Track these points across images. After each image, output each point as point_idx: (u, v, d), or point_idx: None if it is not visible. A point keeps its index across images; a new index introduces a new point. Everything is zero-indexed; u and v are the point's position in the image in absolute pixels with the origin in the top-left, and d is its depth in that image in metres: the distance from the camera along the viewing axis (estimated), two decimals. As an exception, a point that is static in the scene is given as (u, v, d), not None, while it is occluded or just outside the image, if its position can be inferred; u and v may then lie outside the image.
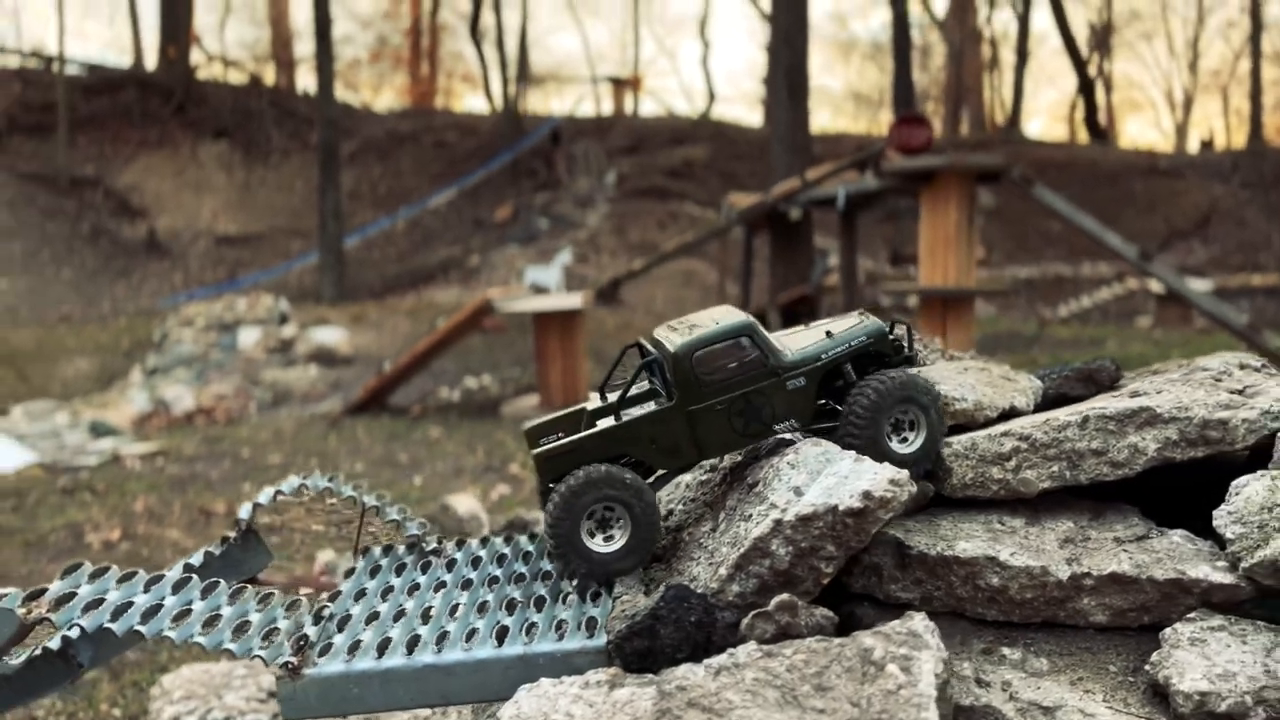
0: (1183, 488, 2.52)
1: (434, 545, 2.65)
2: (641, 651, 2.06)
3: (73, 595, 2.23)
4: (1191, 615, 2.10)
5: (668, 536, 2.59)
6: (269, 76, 48.08)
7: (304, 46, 49.57)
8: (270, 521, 7.55)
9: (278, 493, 2.61)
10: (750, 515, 2.26)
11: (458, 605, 2.35)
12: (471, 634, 2.19)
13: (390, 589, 2.47)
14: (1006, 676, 2.12)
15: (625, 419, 2.37)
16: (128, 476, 10.62)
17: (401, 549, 2.70)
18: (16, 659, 2.37)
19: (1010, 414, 2.68)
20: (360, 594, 2.46)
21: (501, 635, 2.18)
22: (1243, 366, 2.63)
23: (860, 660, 1.92)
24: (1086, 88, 47.61)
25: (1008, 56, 53.32)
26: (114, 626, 2.15)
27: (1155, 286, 22.60)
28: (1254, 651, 1.98)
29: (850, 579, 2.38)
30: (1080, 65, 46.74)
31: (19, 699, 2.43)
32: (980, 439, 2.44)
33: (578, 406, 2.63)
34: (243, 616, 2.23)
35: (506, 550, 2.66)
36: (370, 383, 15.40)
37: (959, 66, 47.79)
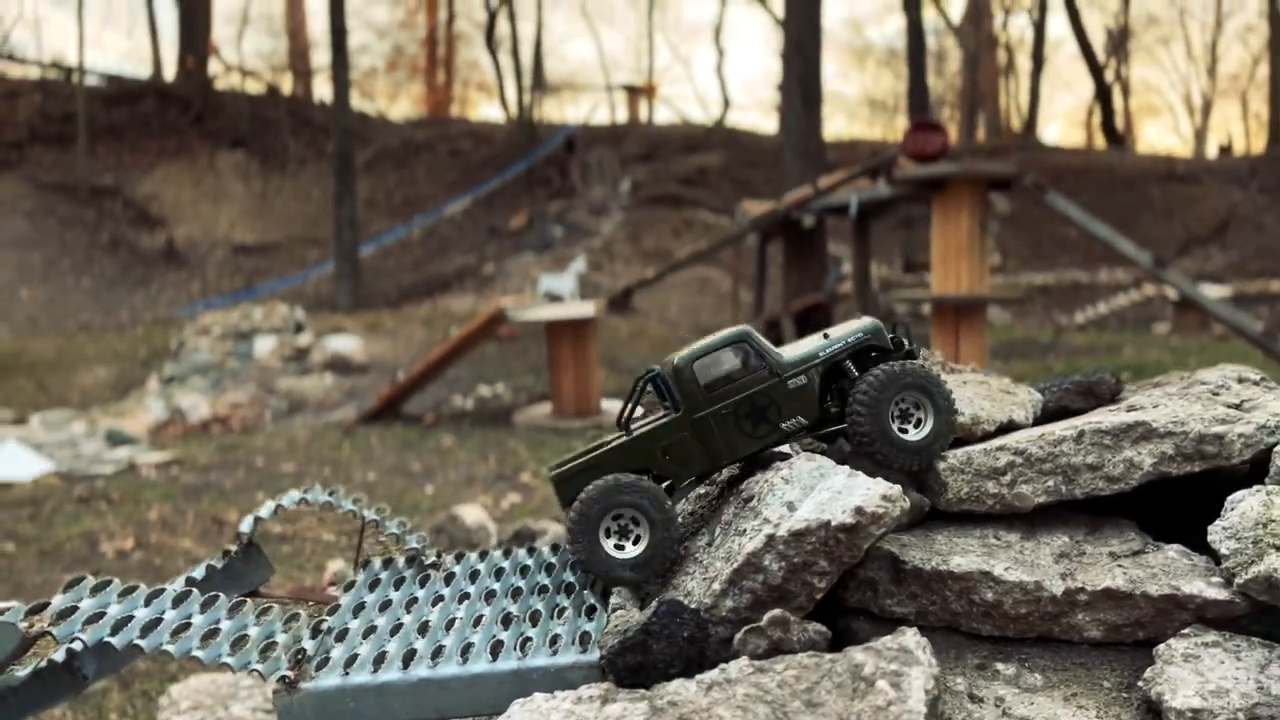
0: (1184, 502, 2.52)
1: (433, 559, 2.67)
2: (634, 667, 2.07)
3: (74, 609, 2.26)
4: (1186, 631, 2.09)
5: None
6: (286, 86, 48.49)
7: (321, 56, 49.92)
8: (283, 531, 7.62)
9: (278, 506, 2.64)
10: (744, 530, 2.27)
11: (454, 619, 2.37)
12: (467, 648, 2.21)
13: (389, 602, 2.49)
14: (1000, 692, 2.12)
15: (636, 433, 2.42)
16: (143, 485, 10.70)
17: (401, 562, 2.72)
18: (22, 671, 2.40)
19: (1009, 427, 2.68)
20: (359, 607, 2.48)
21: (496, 650, 2.20)
22: (1241, 380, 2.62)
23: (851, 676, 1.93)
24: (1103, 93, 47.41)
25: (1024, 62, 53.18)
26: (114, 640, 2.18)
27: (1172, 293, 22.46)
28: (1248, 668, 1.97)
29: (846, 593, 2.39)
30: (1097, 71, 46.55)
31: (25, 711, 2.46)
32: (976, 453, 2.45)
33: (596, 444, 2.68)
34: (241, 630, 2.25)
35: (505, 564, 2.67)
36: (384, 391, 15.47)
37: (974, 72, 47.67)
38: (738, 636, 2.10)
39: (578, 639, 2.21)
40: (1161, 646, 2.06)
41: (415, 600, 2.49)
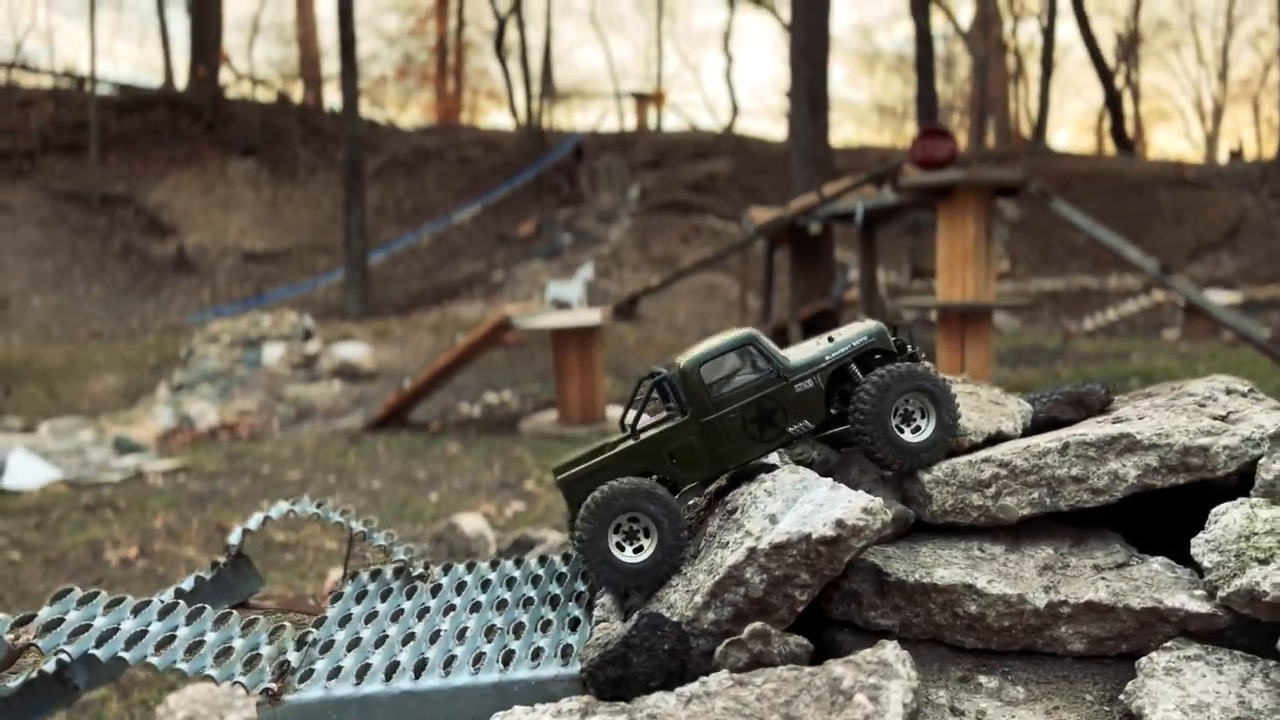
0: (1176, 514, 2.51)
1: (420, 570, 2.68)
2: (614, 680, 2.07)
3: (61, 621, 2.27)
4: (1168, 644, 2.08)
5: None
6: (297, 95, 48.70)
7: (331, 65, 50.06)
8: (286, 540, 7.64)
9: (266, 518, 2.65)
10: (727, 543, 2.27)
11: (439, 631, 2.37)
12: (450, 661, 2.21)
13: (374, 614, 2.50)
14: (982, 705, 2.11)
15: (643, 438, 2.43)
16: (149, 493, 10.74)
17: (389, 574, 2.72)
18: (14, 682, 2.41)
19: (997, 439, 2.68)
20: (345, 619, 2.49)
21: (479, 662, 2.20)
22: (1229, 392, 2.62)
23: (829, 689, 1.93)
24: (1113, 99, 47.29)
25: (1033, 68, 53.09)
26: (98, 652, 2.19)
27: (1182, 299, 22.37)
28: (1229, 682, 1.97)
29: (830, 606, 2.39)
30: (1106, 77, 46.45)
31: (16, 721, 2.48)
32: (961, 465, 2.44)
33: (600, 443, 2.68)
34: (226, 642, 2.26)
35: (492, 576, 2.68)
36: (390, 399, 15.51)
37: (984, 78, 47.62)
38: (719, 649, 2.10)
39: (560, 652, 2.22)
40: (1143, 660, 2.06)
41: (401, 612, 2.50)
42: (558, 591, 2.55)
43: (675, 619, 2.21)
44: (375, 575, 2.74)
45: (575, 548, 2.36)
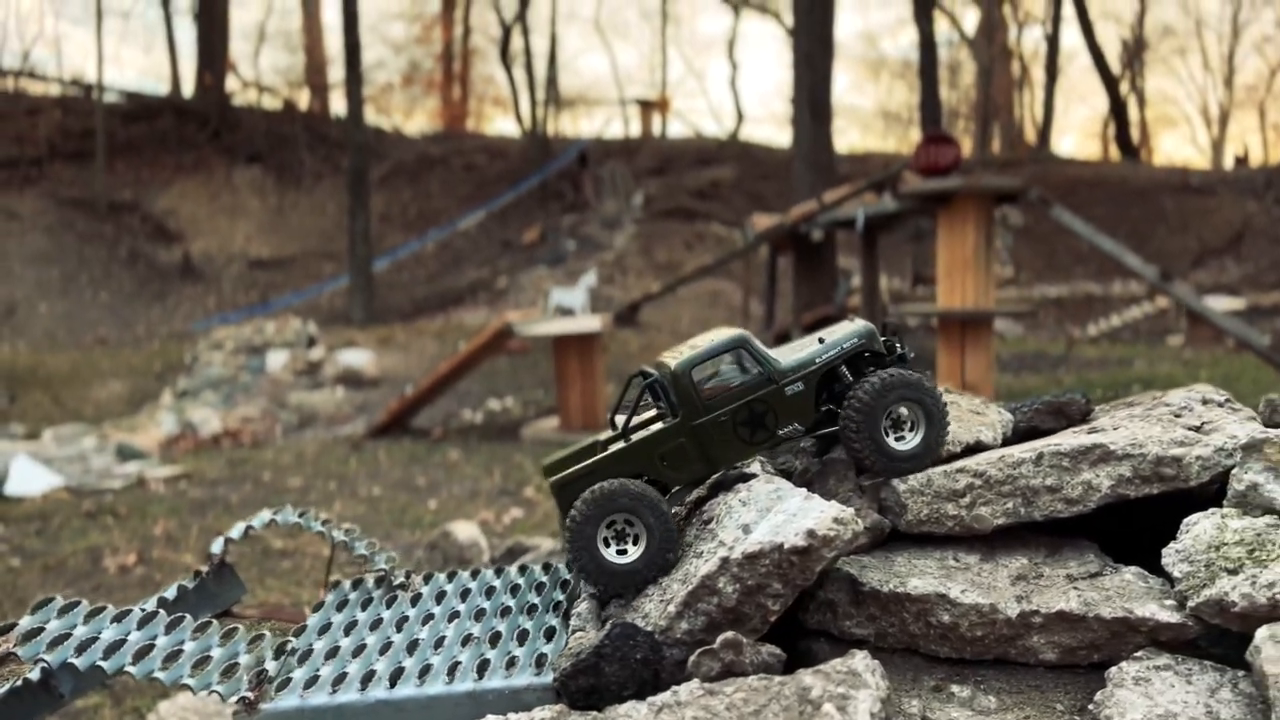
0: (1157, 523, 2.52)
1: (401, 579, 2.69)
2: (586, 689, 2.09)
3: (40, 630, 2.29)
4: (1138, 654, 2.09)
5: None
6: (303, 102, 48.85)
7: (337, 72, 50.21)
8: (284, 546, 7.66)
9: (249, 527, 2.66)
10: (701, 552, 2.29)
11: (417, 640, 2.39)
12: (425, 670, 2.23)
13: (354, 623, 2.52)
14: (954, 715, 2.12)
15: (634, 440, 2.44)
16: (150, 500, 10.78)
17: (371, 582, 2.74)
18: (-1, 690, 2.44)
19: (975, 449, 2.69)
20: (325, 628, 2.50)
21: (454, 671, 2.21)
22: (1205, 402, 2.63)
23: (798, 699, 1.94)
24: (1117, 106, 47.26)
25: (1038, 75, 53.09)
26: (77, 661, 2.21)
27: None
28: (1198, 692, 1.97)
29: (806, 615, 2.40)
30: (1111, 84, 46.43)
31: (2, 728, 2.50)
32: (936, 475, 2.45)
33: (590, 440, 2.69)
34: (205, 651, 2.27)
35: (472, 585, 2.69)
36: (392, 405, 15.54)
37: (988, 85, 47.61)
38: (691, 659, 2.11)
39: (535, 661, 2.23)
40: (1113, 669, 2.06)
41: (380, 621, 2.52)
42: (536, 601, 2.56)
43: (649, 628, 2.22)
44: (357, 584, 2.75)
45: (564, 548, 2.37)
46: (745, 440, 2.44)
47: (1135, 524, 2.57)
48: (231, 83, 46.14)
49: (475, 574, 2.74)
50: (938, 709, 2.15)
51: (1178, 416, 2.55)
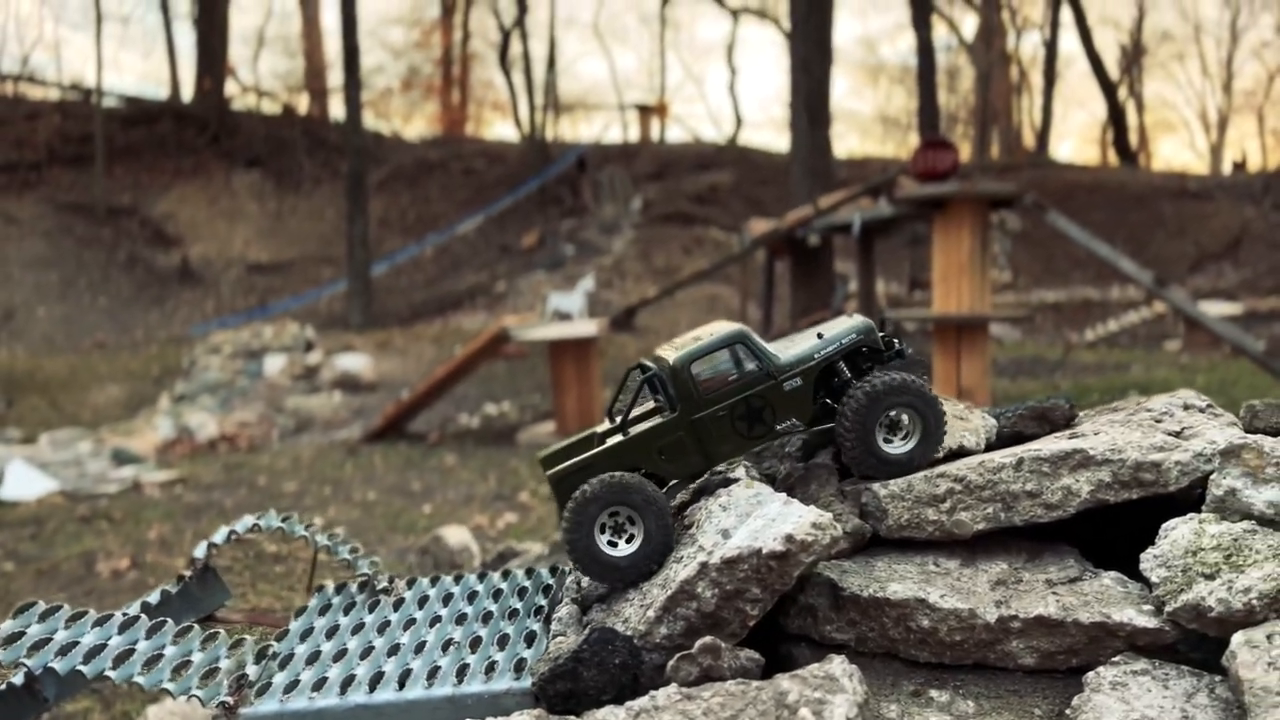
0: (1142, 528, 2.52)
1: (384, 584, 2.69)
2: (565, 693, 2.09)
3: (21, 635, 2.29)
4: (1116, 659, 2.09)
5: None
6: (302, 106, 48.82)
7: (336, 76, 50.20)
8: (277, 550, 7.64)
9: (232, 532, 2.67)
10: (681, 557, 2.29)
11: (398, 645, 2.39)
12: (406, 675, 2.23)
13: (336, 628, 2.52)
14: (931, 720, 2.12)
15: (633, 433, 2.44)
16: (145, 504, 10.77)
17: (354, 587, 2.74)
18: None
19: (958, 454, 2.69)
20: (307, 632, 2.50)
21: (433, 676, 2.22)
22: (1186, 407, 2.63)
23: (775, 704, 1.94)
24: (1115, 111, 47.31)
25: (1037, 80, 53.14)
26: (57, 666, 2.21)
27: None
28: (1174, 697, 1.98)
29: (787, 620, 2.40)
30: (1109, 89, 46.47)
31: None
32: (917, 480, 2.46)
33: (588, 431, 2.69)
34: (185, 656, 2.28)
35: (455, 590, 2.70)
36: (389, 410, 15.53)
37: (987, 90, 47.65)
38: (670, 664, 2.11)
39: (514, 666, 2.23)
40: (1091, 674, 2.07)
41: (362, 626, 2.52)
42: (518, 606, 2.57)
43: (629, 633, 2.23)
44: (340, 589, 2.76)
45: (561, 540, 2.37)
46: (743, 435, 2.45)
47: (1118, 529, 2.57)
48: (230, 87, 46.13)
49: (458, 579, 2.74)
50: (916, 713, 2.15)
51: (1158, 422, 2.55)
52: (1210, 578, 2.07)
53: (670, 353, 2.46)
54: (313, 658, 2.36)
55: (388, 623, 2.52)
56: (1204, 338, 21.82)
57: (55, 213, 35.76)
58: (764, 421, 2.45)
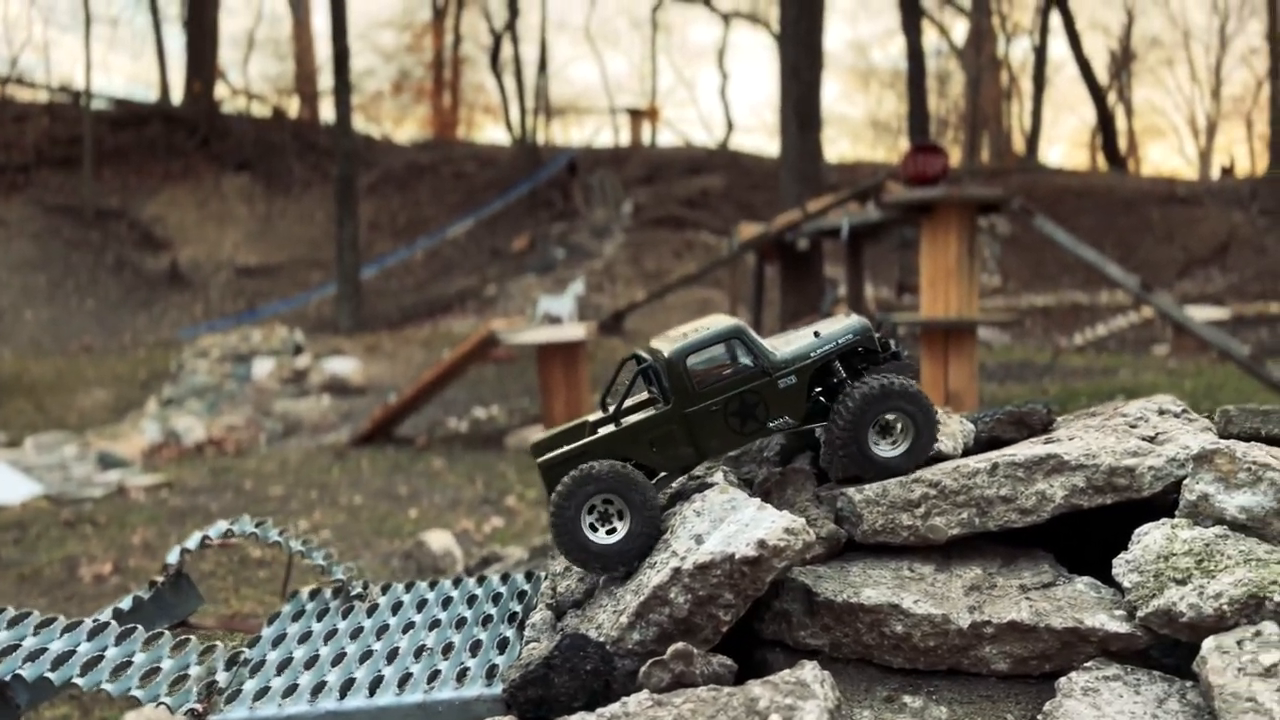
0: (1118, 533, 2.52)
1: (359, 590, 2.68)
2: (535, 700, 2.08)
3: (-11, 641, 2.27)
4: (1088, 665, 2.09)
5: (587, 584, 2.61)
6: (292, 109, 48.73)
7: (327, 80, 50.11)
8: (262, 555, 7.61)
9: (205, 538, 2.65)
10: (654, 563, 2.28)
11: (371, 651, 2.38)
12: (378, 681, 2.21)
13: (309, 634, 2.50)
14: (904, 726, 2.12)
15: (625, 424, 2.43)
16: (130, 509, 10.72)
17: (328, 593, 2.73)
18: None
19: (935, 459, 2.68)
20: (280, 639, 2.49)
21: (405, 682, 2.20)
22: (1161, 413, 2.63)
23: (746, 710, 1.93)
24: (1105, 117, 47.50)
25: (1027, 85, 53.34)
26: (24, 673, 2.19)
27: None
28: (1145, 702, 1.97)
29: (762, 625, 2.39)
30: (1098, 95, 46.66)
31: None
32: (892, 485, 2.45)
33: (580, 420, 2.68)
34: (155, 662, 2.26)
35: (429, 595, 2.68)
36: (376, 414, 15.49)
37: (977, 95, 47.81)
38: (642, 670, 2.10)
39: (486, 672, 2.22)
40: (1062, 680, 2.06)
41: (335, 632, 2.50)
42: (492, 612, 2.55)
43: (602, 639, 2.22)
44: (315, 594, 2.74)
45: (549, 526, 2.36)
46: (735, 430, 2.45)
47: (1093, 534, 2.57)
48: (220, 90, 46.04)
49: (433, 585, 2.73)
50: (889, 719, 2.14)
51: (1134, 427, 2.55)
52: (1182, 583, 2.07)
53: (666, 345, 2.45)
54: (284, 664, 2.34)
55: (361, 629, 2.50)
56: (1191, 343, 21.89)
57: (43, 215, 35.63)
58: (756, 418, 2.45)
